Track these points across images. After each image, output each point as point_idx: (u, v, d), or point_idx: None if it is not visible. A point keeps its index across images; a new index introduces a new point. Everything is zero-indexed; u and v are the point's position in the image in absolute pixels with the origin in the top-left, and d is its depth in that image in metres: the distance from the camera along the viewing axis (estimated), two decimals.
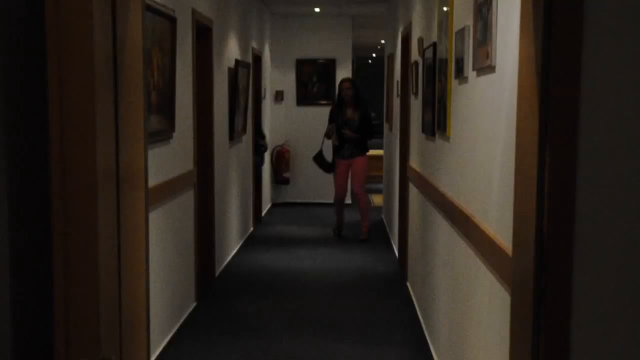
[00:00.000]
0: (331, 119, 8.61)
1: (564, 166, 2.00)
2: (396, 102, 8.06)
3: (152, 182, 4.26)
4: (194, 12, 5.60)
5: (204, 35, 6.19)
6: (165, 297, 4.84)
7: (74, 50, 1.54)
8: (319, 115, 11.09)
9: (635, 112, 1.97)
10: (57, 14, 1.58)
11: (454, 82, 3.95)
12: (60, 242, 1.50)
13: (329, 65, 11.60)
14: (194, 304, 5.81)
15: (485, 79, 3.09)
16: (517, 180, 2.31)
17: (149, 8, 4.19)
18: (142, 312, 2.47)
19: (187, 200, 5.52)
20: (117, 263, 2.13)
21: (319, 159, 8.85)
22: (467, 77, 3.54)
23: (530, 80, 2.13)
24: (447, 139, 4.14)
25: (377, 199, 12.18)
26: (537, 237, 2.05)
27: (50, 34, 1.58)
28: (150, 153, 4.28)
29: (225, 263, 7.28)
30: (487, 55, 2.98)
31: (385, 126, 10.00)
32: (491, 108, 2.97)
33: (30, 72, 1.65)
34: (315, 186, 11.04)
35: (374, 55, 20.49)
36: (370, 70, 23.02)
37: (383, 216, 10.24)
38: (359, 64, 22.44)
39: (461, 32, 3.64)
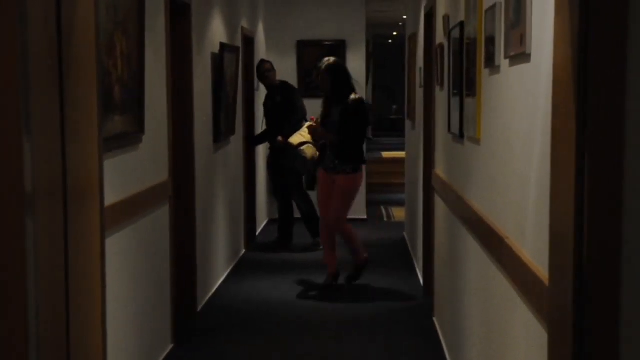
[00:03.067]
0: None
1: (606, 176, 2.03)
2: (419, 94, 8.10)
3: (114, 197, 4.30)
4: None
5: (180, 13, 6.25)
6: (132, 339, 4.88)
7: None
8: None
9: None
10: None
11: (484, 72, 3.99)
12: None
13: (338, 48, 11.63)
14: (171, 346, 5.85)
15: (519, 69, 3.13)
16: (553, 194, 2.34)
17: None
18: (97, 358, 2.52)
19: (160, 218, 5.56)
20: (65, 297, 2.18)
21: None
22: (498, 67, 3.58)
23: (565, 70, 2.17)
24: (477, 141, 4.18)
25: (398, 213, 12.20)
26: (575, 262, 2.09)
27: None
28: (112, 162, 4.33)
29: (209, 295, 7.32)
30: (521, 40, 3.02)
31: (407, 123, 10.03)
32: (526, 106, 3.01)
33: None
34: None
35: (394, 33, 20.53)
36: (390, 53, 23.09)
37: (405, 234, 10.27)
38: (376, 44, 22.48)
39: (492, 10, 3.68)
